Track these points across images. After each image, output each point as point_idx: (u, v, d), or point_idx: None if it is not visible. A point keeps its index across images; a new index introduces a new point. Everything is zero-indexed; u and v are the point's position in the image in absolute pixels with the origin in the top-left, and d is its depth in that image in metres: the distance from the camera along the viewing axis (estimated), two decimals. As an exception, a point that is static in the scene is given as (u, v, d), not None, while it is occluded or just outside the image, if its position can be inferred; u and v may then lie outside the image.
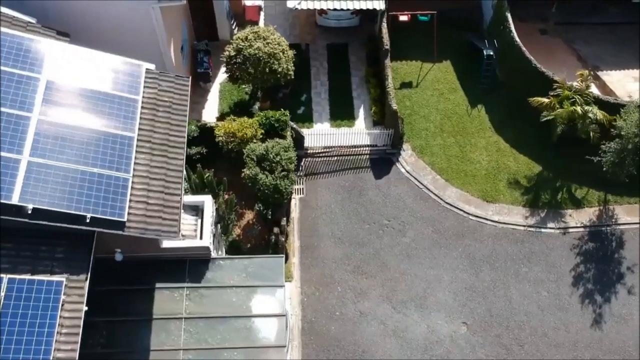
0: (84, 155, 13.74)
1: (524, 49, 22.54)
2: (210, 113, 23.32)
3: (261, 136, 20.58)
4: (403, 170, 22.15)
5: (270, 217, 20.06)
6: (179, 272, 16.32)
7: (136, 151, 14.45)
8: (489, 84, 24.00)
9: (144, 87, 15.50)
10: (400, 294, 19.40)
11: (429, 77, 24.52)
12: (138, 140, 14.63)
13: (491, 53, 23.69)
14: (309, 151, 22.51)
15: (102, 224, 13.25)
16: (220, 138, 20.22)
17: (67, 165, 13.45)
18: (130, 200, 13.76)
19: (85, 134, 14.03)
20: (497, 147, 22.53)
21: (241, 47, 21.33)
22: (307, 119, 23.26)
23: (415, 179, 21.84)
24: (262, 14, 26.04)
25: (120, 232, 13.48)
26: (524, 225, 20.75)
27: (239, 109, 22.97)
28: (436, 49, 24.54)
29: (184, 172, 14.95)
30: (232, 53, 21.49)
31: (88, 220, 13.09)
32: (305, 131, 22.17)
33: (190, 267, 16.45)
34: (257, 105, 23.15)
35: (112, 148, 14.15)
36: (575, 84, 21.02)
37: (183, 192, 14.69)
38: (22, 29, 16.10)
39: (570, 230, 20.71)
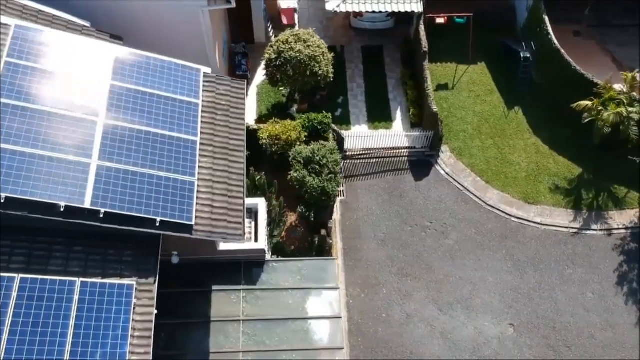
0: (150, 159, 13.84)
1: (562, 51, 22.63)
2: (248, 115, 23.09)
3: (304, 139, 20.68)
4: (443, 172, 22.23)
5: (313, 219, 20.16)
6: (234, 274, 16.46)
7: (199, 155, 14.57)
8: (526, 86, 24.08)
9: (203, 90, 15.61)
10: (446, 295, 19.48)
11: (465, 79, 24.60)
12: (200, 143, 14.74)
13: (528, 55, 23.77)
14: (347, 153, 22.57)
15: (171, 227, 13.35)
16: (264, 140, 20.29)
17: (134, 168, 13.55)
18: (196, 204, 13.87)
19: (150, 138, 14.12)
20: (536, 149, 22.61)
21: (282, 49, 21.40)
22: (344, 121, 23.33)
23: (456, 180, 21.92)
24: (296, 16, 26.11)
25: (187, 236, 13.58)
26: (567, 227, 20.83)
27: (277, 111, 23.04)
28: (472, 51, 24.61)
29: (245, 175, 15.03)
30: (273, 56, 21.58)
31: (158, 224, 13.19)
32: (344, 133, 22.25)
33: (245, 269, 16.59)
34: (294, 108, 23.26)
35: (177, 152, 14.24)
36: (617, 86, 21.10)
37: (245, 195, 14.78)
38: (78, 33, 16.19)
39: (613, 231, 20.80)
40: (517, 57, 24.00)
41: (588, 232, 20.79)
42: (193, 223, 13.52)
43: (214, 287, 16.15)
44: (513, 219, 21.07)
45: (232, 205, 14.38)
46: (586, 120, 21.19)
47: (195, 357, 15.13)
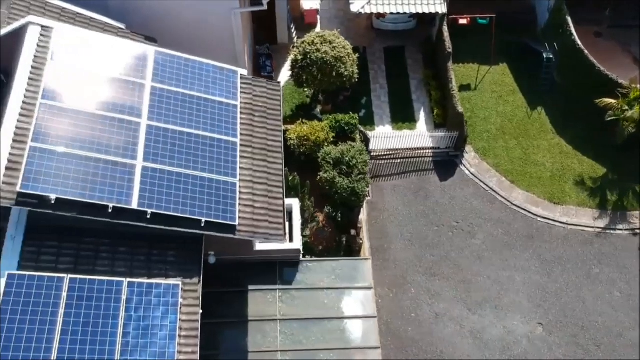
0: (193, 160, 13.99)
1: (586, 52, 22.76)
2: (273, 116, 23.47)
3: (332, 139, 20.81)
4: (467, 172, 22.36)
5: (340, 219, 20.29)
6: (270, 274, 16.61)
7: (239, 156, 14.70)
8: (548, 87, 24.20)
9: (240, 92, 15.74)
10: (475, 295, 19.62)
11: (487, 80, 24.71)
12: (240, 145, 14.87)
13: (551, 56, 23.90)
14: (372, 154, 22.68)
15: (215, 227, 13.51)
16: (293, 141, 20.41)
17: (178, 170, 13.70)
18: (238, 204, 14.01)
19: (192, 139, 14.29)
20: (560, 149, 22.75)
21: (308, 51, 21.52)
22: (368, 121, 23.44)
23: (481, 181, 22.04)
24: (318, 17, 26.23)
25: (231, 236, 13.72)
26: (592, 227, 20.96)
27: (301, 112, 23.17)
28: (494, 51, 24.74)
29: (284, 176, 15.18)
30: (299, 57, 21.71)
31: (203, 225, 13.34)
32: (370, 134, 22.37)
33: (280, 269, 16.73)
34: (318, 109, 23.38)
35: (218, 153, 14.39)
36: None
37: (285, 195, 14.91)
38: (114, 35, 16.32)
39: (637, 231, 20.91)
40: (540, 57, 24.11)
41: (614, 231, 20.91)
42: (237, 223, 13.67)
43: (250, 287, 16.30)
44: (539, 219, 21.20)
45: (272, 206, 14.53)
46: (610, 119, 21.34)
47: (234, 356, 15.27)
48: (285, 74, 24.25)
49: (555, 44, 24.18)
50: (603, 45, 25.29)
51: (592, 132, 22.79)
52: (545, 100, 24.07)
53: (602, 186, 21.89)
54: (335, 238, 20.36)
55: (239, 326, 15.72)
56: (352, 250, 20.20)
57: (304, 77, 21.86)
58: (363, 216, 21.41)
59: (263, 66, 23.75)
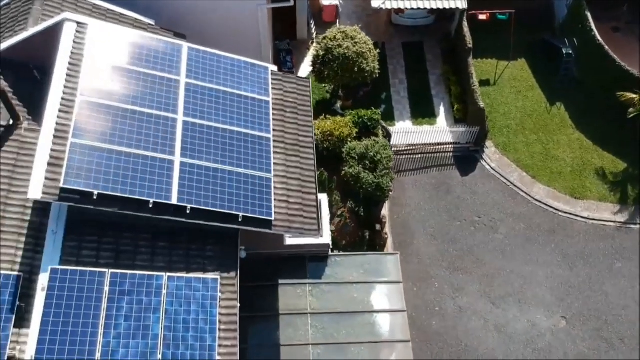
0: (228, 156, 14.10)
1: (606, 47, 22.85)
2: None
3: (355, 135, 20.93)
4: (488, 167, 22.49)
5: (362, 214, 20.44)
6: (299, 268, 16.78)
7: (273, 151, 14.81)
8: (567, 82, 24.30)
9: (271, 88, 15.84)
10: (498, 289, 19.78)
11: (506, 75, 24.80)
12: (273, 140, 14.98)
13: (570, 51, 23.99)
14: (393, 149, 22.78)
15: (252, 222, 13.63)
16: (316, 137, 20.52)
17: (215, 165, 13.82)
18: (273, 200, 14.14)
19: (227, 135, 14.39)
20: (580, 144, 22.87)
21: (330, 46, 21.61)
22: (388, 117, 23.53)
23: (502, 176, 22.18)
24: (337, 14, 26.27)
25: (267, 231, 13.85)
26: (614, 222, 21.12)
27: (321, 107, 23.27)
28: (513, 47, 24.80)
29: (316, 172, 15.30)
30: (321, 52, 21.80)
31: (240, 220, 13.46)
32: (391, 129, 22.47)
33: (309, 263, 16.88)
34: (339, 104, 23.50)
35: (252, 149, 14.50)
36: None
37: (318, 191, 15.04)
38: (144, 31, 16.41)
39: (659, 226, 21.15)
40: (559, 53, 24.20)
41: (635, 226, 21.04)
42: (273, 218, 13.79)
43: (280, 281, 16.46)
44: (560, 213, 21.35)
45: (306, 201, 14.65)
46: (631, 115, 21.46)
47: (267, 350, 15.44)
48: (305, 70, 24.34)
49: (574, 39, 24.26)
50: (622, 41, 25.34)
51: (612, 127, 22.91)
52: (564, 96, 24.17)
53: (623, 181, 22.02)
54: (358, 233, 20.54)
55: (271, 320, 15.89)
56: (374, 245, 20.37)
57: (326, 73, 21.95)
58: (385, 211, 21.56)
59: (284, 62, 23.84)
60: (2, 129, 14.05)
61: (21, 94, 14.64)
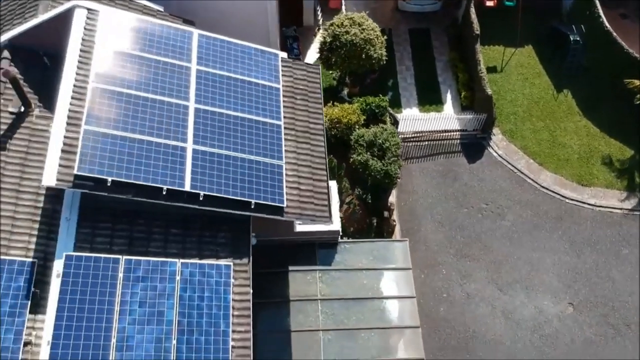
0: (240, 143, 14.12)
1: (614, 34, 22.79)
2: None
3: (363, 122, 20.92)
4: (495, 154, 22.51)
5: (370, 201, 20.50)
6: (309, 255, 16.86)
7: (284, 139, 14.83)
8: (575, 69, 24.25)
9: (281, 75, 15.82)
10: (505, 275, 19.88)
11: (512, 62, 24.74)
12: (284, 127, 14.99)
13: (578, 38, 23.90)
14: (400, 136, 22.78)
15: (264, 209, 13.68)
16: (325, 124, 20.49)
17: (227, 152, 13.84)
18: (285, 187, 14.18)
19: (238, 122, 14.40)
20: (587, 131, 22.88)
21: (337, 33, 21.53)
22: (395, 104, 23.49)
23: (509, 163, 22.21)
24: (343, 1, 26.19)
25: (279, 218, 13.90)
26: (621, 208, 21.19)
27: (328, 94, 23.18)
28: (520, 34, 24.72)
29: (327, 159, 15.32)
30: (328, 39, 21.72)
31: (253, 206, 13.51)
32: (398, 116, 22.46)
33: (319, 250, 16.95)
34: (345, 91, 23.47)
35: (263, 135, 14.52)
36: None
37: (329, 178, 15.08)
38: (153, 17, 16.34)
39: (666, 212, 21.21)
40: (566, 40, 24.10)
41: (642, 213, 21.21)
42: (285, 205, 13.84)
43: (290, 268, 16.54)
44: (567, 200, 21.41)
45: (317, 188, 14.69)
46: (639, 102, 21.45)
47: (277, 335, 15.54)
48: (311, 56, 24.28)
49: (582, 26, 24.17)
50: (630, 27, 25.24)
51: (620, 114, 22.92)
52: (571, 83, 24.13)
53: (630, 168, 22.07)
54: (366, 220, 20.60)
55: (281, 306, 15.99)
56: (382, 232, 20.45)
57: (333, 59, 21.88)
58: (392, 198, 21.61)
59: (290, 48, 23.77)
60: (13, 116, 14.06)
61: (31, 81, 14.62)
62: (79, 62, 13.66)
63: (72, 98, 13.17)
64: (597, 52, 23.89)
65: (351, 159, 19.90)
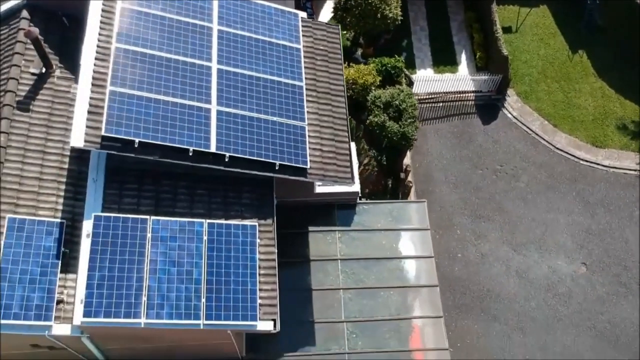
0: (263, 104, 14.12)
1: (632, -7, 22.53)
2: (314, 60, 23.38)
3: (378, 83, 20.84)
4: (510, 116, 22.50)
5: (385, 162, 20.58)
6: (328, 216, 16.99)
7: (305, 100, 14.81)
8: (590, 29, 24.02)
9: (302, 35, 15.70)
10: (519, 236, 20.12)
11: (527, 22, 24.50)
12: (305, 89, 14.95)
13: (594, -3, 23.67)
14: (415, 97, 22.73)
15: (288, 170, 13.77)
16: (341, 85, 20.43)
17: (250, 114, 13.85)
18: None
19: (260, 83, 14.36)
20: (602, 93, 22.81)
21: (352, -8, 21.28)
22: (410, 64, 23.33)
23: (524, 124, 22.22)
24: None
25: (302, 179, 14.00)
26: (635, 170, 21.28)
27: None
28: (536, -7, 24.48)
29: (348, 120, 15.34)
30: (344, -1, 21.48)
31: (277, 168, 13.59)
32: (412, 77, 22.35)
33: (338, 211, 17.10)
34: (359, 52, 23.31)
35: (286, 97, 14.50)
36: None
37: (350, 139, 15.10)
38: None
39: (679, 174, 21.32)
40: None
41: (656, 174, 21.32)
42: (308, 166, 13.92)
43: (310, 228, 16.72)
44: (582, 162, 21.51)
45: (339, 149, 14.75)
46: (656, 64, 21.38)
47: (299, 294, 15.80)
48: (324, 16, 24.02)
49: (599, -15, 23.88)
50: (646, -14, 24.91)
51: (635, 75, 22.80)
52: (587, 43, 23.94)
53: (645, 129, 22.18)
54: (381, 181, 20.74)
55: (302, 265, 16.22)
56: (397, 193, 20.60)
57: (348, 19, 21.68)
58: (407, 160, 21.68)
59: (303, 8, 23.47)
60: (35, 77, 14.02)
61: (50, 42, 14.53)
62: (101, 22, 13.56)
63: (96, 59, 13.13)
64: (613, 11, 23.62)
65: (367, 121, 19.91)
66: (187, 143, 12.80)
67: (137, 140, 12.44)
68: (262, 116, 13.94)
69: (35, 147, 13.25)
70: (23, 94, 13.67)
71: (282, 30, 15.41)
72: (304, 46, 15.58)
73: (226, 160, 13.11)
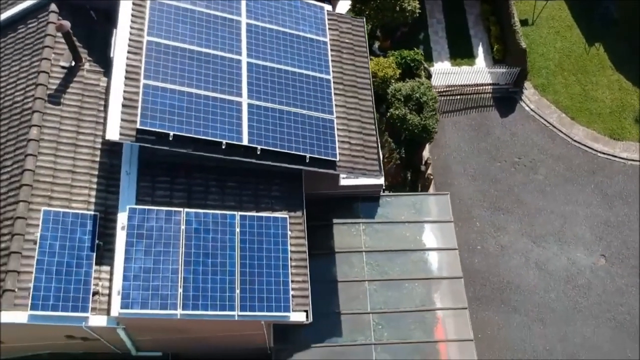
0: (292, 97, 14.21)
1: (649, -15, 22.55)
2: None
3: (398, 76, 20.91)
4: (527, 108, 22.57)
5: (404, 155, 20.68)
6: (352, 208, 17.12)
7: (333, 93, 14.90)
8: (606, 22, 24.05)
9: (328, 28, 15.77)
10: (538, 228, 20.24)
11: (543, 15, 24.51)
12: (332, 82, 15.03)
13: (610, -11, 23.69)
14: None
15: (318, 163, 13.88)
16: (361, 78, 20.49)
17: (280, 107, 13.94)
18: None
19: (288, 76, 14.45)
20: (619, 85, 22.87)
21: (371, -15, 21.30)
22: (427, 57, 23.32)
23: (541, 117, 22.29)
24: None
25: (332, 172, 14.11)
26: (653, 162, 21.47)
27: (359, 48, 23.10)
28: (552, -15, 24.47)
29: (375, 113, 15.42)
30: (362, -9, 21.51)
31: (307, 160, 13.69)
32: (431, 70, 22.41)
33: (362, 204, 17.22)
34: (377, 44, 23.35)
35: (314, 90, 14.58)
36: None
37: (377, 132, 15.20)
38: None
39: (697, 167, 21.42)
40: (598, -9, 23.90)
41: (673, 167, 21.41)
42: (337, 159, 14.02)
43: (335, 221, 16.85)
44: (600, 154, 21.60)
45: (367, 142, 14.86)
46: (674, 56, 21.43)
47: (325, 286, 15.93)
48: (342, 8, 23.96)
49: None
50: (662, -22, 24.93)
51: (652, 68, 22.94)
52: (603, 36, 23.96)
53: (662, 122, 22.25)
54: (401, 174, 20.84)
55: (328, 257, 16.35)
56: (416, 185, 20.72)
57: (366, 12, 21.70)
58: (425, 152, 21.77)
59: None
60: (65, 70, 14.10)
61: (79, 35, 14.58)
62: (132, 15, 13.63)
63: (129, 52, 13.21)
64: (629, 3, 23.63)
65: (388, 113, 19.99)
66: (219, 136, 12.91)
67: (171, 133, 12.54)
68: (292, 109, 14.03)
69: (67, 140, 13.35)
70: (54, 87, 13.76)
71: (309, 23, 15.47)
72: (330, 39, 15.65)
73: (258, 153, 13.22)
